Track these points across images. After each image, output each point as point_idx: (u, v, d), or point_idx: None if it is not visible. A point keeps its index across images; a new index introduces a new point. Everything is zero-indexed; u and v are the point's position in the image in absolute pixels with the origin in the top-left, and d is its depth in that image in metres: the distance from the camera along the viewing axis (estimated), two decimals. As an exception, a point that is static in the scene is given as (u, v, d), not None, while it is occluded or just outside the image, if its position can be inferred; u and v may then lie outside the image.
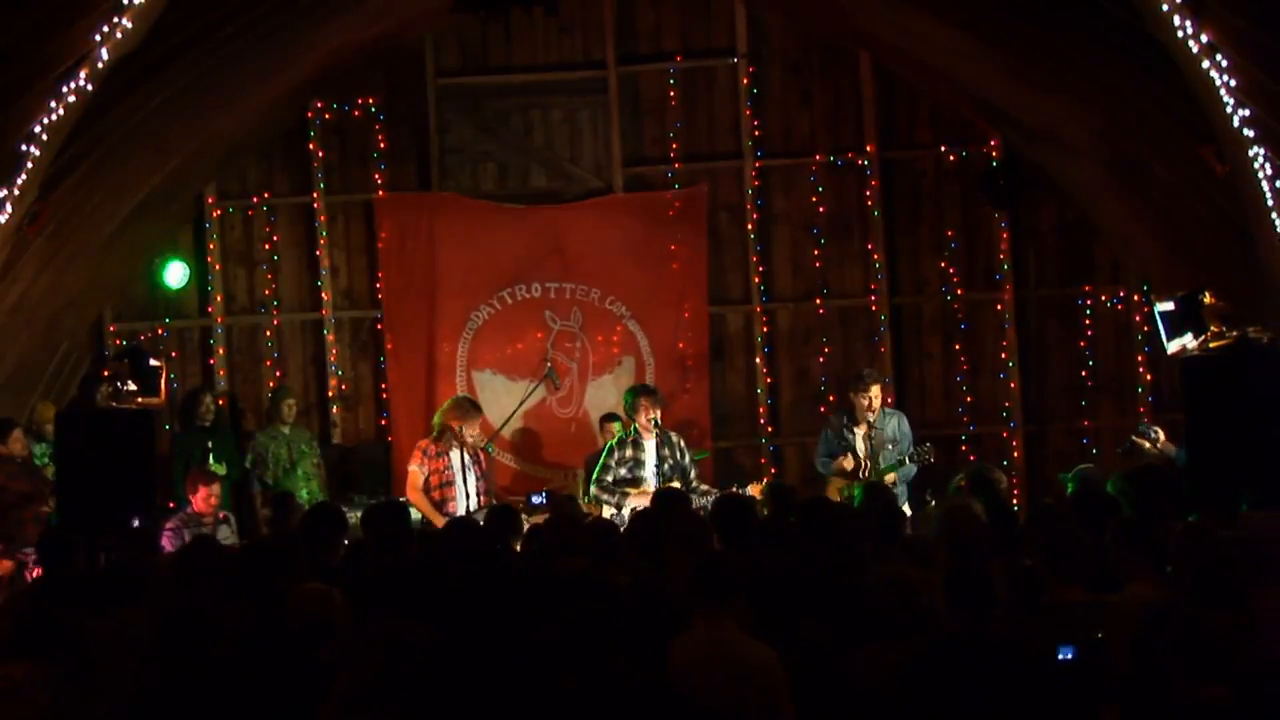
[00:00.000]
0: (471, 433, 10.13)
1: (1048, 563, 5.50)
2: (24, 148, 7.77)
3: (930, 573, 6.11)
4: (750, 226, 12.30)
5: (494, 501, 10.02)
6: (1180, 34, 7.14)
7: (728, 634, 5.06)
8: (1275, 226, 7.69)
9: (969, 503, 7.10)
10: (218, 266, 12.33)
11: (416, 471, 10.07)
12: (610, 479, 9.83)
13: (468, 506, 9.83)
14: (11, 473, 9.37)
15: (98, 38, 7.52)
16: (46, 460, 9.79)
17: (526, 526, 7.72)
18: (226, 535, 9.26)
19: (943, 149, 12.20)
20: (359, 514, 8.79)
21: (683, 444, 10.08)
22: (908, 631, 4.82)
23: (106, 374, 9.43)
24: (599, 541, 6.68)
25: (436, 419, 10.29)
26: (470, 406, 10.40)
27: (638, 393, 10.25)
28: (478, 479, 10.07)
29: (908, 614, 4.85)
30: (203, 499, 9.30)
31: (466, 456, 10.02)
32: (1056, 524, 6.01)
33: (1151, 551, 5.62)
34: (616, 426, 11.03)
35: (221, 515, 9.52)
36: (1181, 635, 4.52)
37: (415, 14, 11.63)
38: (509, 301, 12.24)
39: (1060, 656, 4.53)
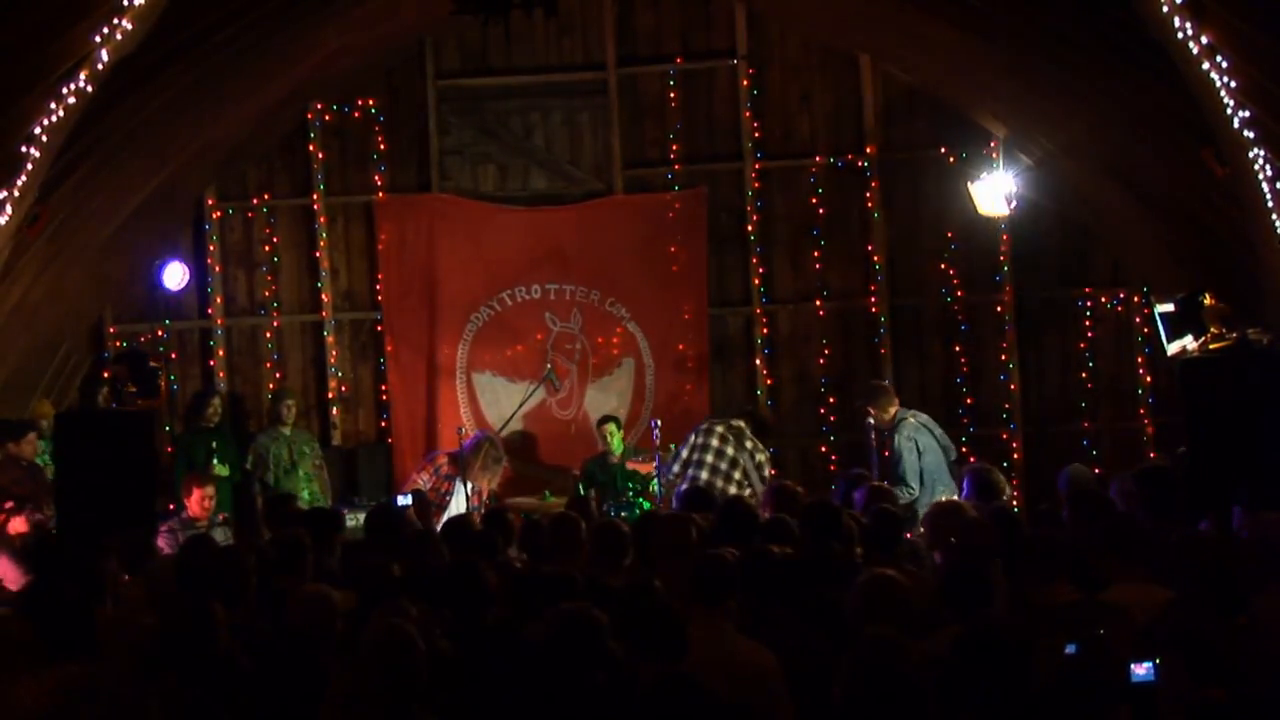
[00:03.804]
0: (488, 484, 10.24)
1: (1043, 563, 5.50)
2: (24, 149, 7.76)
3: (925, 574, 6.13)
4: (750, 228, 12.30)
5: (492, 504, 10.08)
6: (1180, 35, 7.14)
7: (725, 635, 5.06)
8: (1275, 228, 7.69)
9: (960, 503, 7.11)
10: (218, 268, 12.34)
11: (418, 480, 10.08)
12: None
13: None
14: (16, 477, 9.36)
15: (98, 39, 7.52)
16: (47, 459, 9.79)
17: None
18: (223, 539, 9.22)
19: (943, 150, 12.20)
20: (360, 516, 8.83)
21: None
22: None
23: (106, 376, 9.43)
24: (597, 543, 6.67)
25: (475, 461, 10.32)
26: (499, 463, 10.52)
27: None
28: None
29: (893, 615, 4.84)
30: (197, 501, 9.25)
31: (469, 495, 10.14)
32: (1051, 524, 6.02)
33: (1147, 552, 5.62)
34: (611, 428, 11.05)
35: (221, 518, 9.50)
36: (1181, 637, 4.53)
37: (415, 15, 11.63)
38: (509, 303, 12.24)
39: (1066, 651, 4.55)
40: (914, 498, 9.49)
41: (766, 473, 9.73)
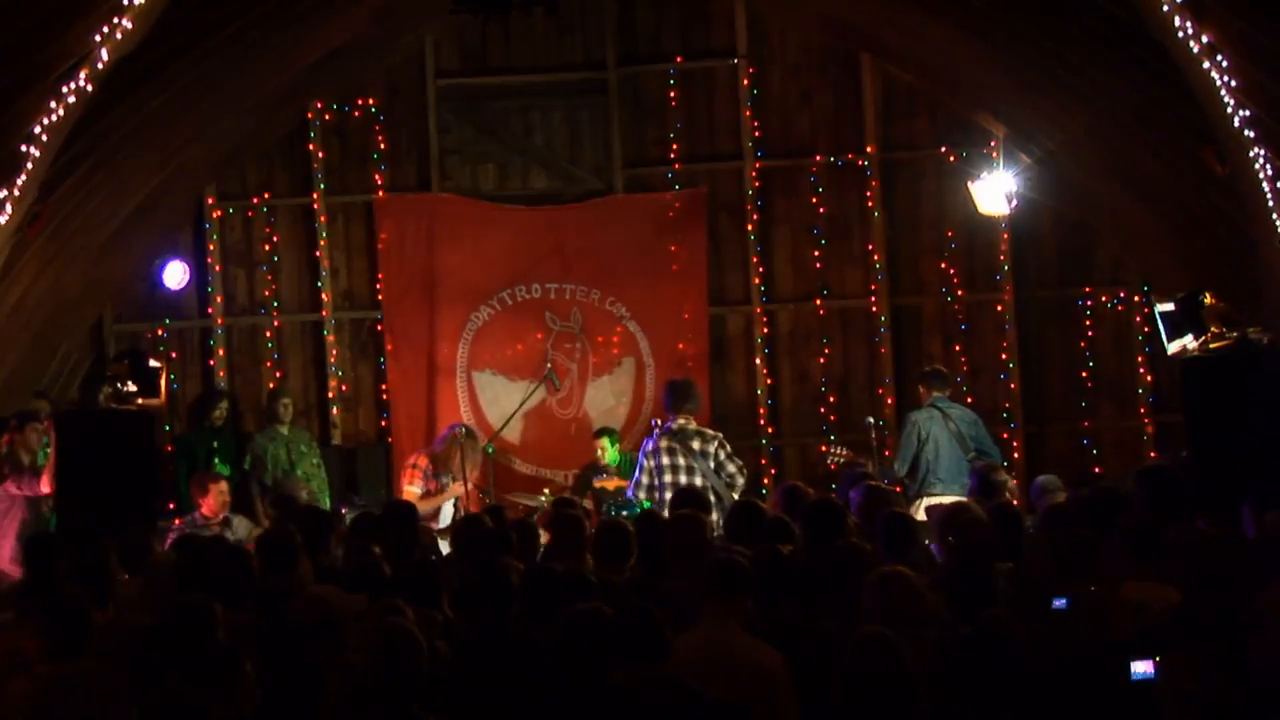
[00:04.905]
0: (473, 472, 10.24)
1: (1053, 563, 5.51)
2: (24, 148, 7.77)
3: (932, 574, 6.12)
4: (750, 227, 12.30)
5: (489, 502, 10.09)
6: (1180, 35, 7.15)
7: (731, 635, 5.06)
8: (1275, 228, 7.69)
9: (970, 504, 7.09)
10: (218, 267, 12.33)
11: (413, 492, 10.08)
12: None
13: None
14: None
15: (98, 38, 7.52)
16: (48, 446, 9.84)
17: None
18: (243, 534, 9.26)
19: (943, 149, 12.20)
20: (352, 516, 8.83)
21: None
22: (906, 628, 4.81)
23: (107, 375, 9.46)
24: (601, 543, 6.67)
25: (455, 456, 10.29)
26: (477, 451, 10.58)
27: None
28: (458, 511, 10.24)
29: (906, 611, 4.85)
30: (214, 497, 9.34)
31: (458, 487, 10.15)
32: (1062, 525, 6.02)
33: (1158, 551, 5.62)
34: (605, 442, 11.05)
35: (222, 516, 9.50)
36: (1182, 635, 4.53)
37: (415, 15, 11.63)
38: (509, 302, 12.23)
39: (1055, 605, 4.58)
40: (894, 477, 9.55)
41: (728, 462, 9.47)
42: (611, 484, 10.38)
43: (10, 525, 9.27)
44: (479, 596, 5.53)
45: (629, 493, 9.84)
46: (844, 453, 10.52)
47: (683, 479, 9.37)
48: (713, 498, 9.18)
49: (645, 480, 9.60)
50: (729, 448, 9.63)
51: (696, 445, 9.51)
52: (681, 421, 9.66)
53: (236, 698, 4.73)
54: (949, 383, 10.55)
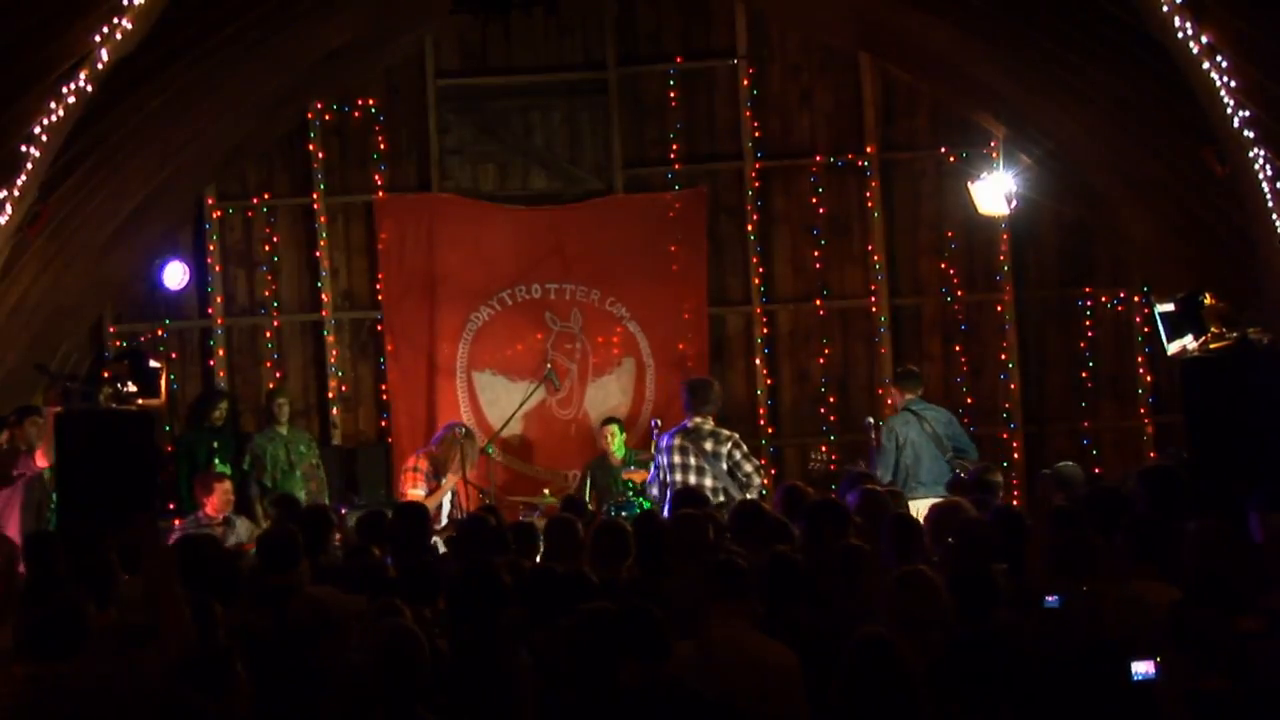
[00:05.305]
0: (471, 469, 10.28)
1: (1053, 563, 5.51)
2: (24, 149, 7.77)
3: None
4: (750, 228, 12.30)
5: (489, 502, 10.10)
6: (1180, 35, 7.15)
7: (742, 635, 5.06)
8: (1275, 228, 7.69)
9: (960, 503, 7.10)
10: (218, 268, 12.33)
11: (418, 495, 10.10)
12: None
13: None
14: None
15: (97, 39, 7.52)
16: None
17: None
18: (244, 534, 9.27)
19: (943, 150, 12.20)
20: (358, 515, 8.84)
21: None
22: (922, 628, 4.81)
23: (107, 375, 9.48)
24: (599, 543, 6.67)
25: (455, 456, 10.34)
26: (476, 450, 10.66)
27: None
28: (454, 508, 10.31)
29: (927, 611, 4.85)
30: (218, 497, 9.36)
31: (457, 488, 10.18)
32: (1065, 524, 6.02)
33: (1161, 550, 5.62)
34: (614, 429, 11.04)
35: (222, 517, 9.50)
36: (1190, 635, 4.53)
37: (415, 15, 11.63)
38: (509, 302, 12.23)
39: (1046, 602, 4.57)
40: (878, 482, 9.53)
41: (744, 462, 9.36)
42: (639, 476, 10.37)
43: (11, 514, 9.33)
44: (470, 596, 5.53)
45: (647, 492, 9.82)
46: (822, 459, 10.53)
47: (693, 479, 9.29)
48: (722, 499, 9.17)
49: (661, 478, 9.56)
50: (745, 448, 9.53)
51: (709, 446, 9.42)
52: (698, 420, 9.54)
53: (230, 698, 4.73)
54: (920, 382, 10.47)
